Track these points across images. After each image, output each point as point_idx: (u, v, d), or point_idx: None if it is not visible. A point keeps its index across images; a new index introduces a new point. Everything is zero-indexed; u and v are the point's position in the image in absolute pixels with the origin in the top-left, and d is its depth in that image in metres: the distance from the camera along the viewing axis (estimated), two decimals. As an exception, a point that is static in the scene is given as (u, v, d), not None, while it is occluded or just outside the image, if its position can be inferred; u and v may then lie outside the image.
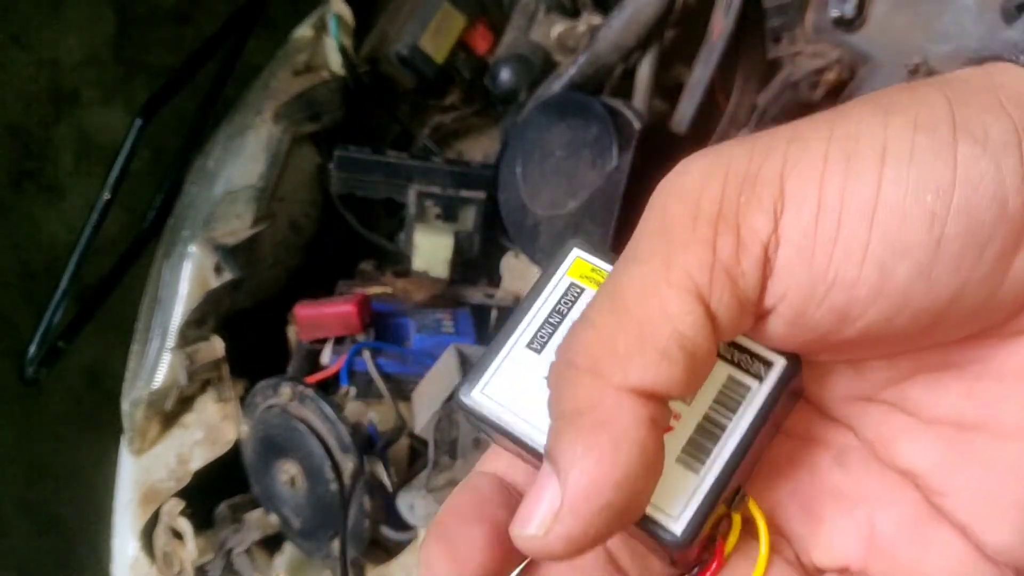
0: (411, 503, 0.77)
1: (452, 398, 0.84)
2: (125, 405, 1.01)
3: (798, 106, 1.02)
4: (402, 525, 0.89)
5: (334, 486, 0.83)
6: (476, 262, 1.14)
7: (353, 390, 0.90)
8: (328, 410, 0.83)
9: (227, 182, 1.05)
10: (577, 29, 1.12)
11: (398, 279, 1.05)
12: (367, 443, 0.84)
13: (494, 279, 1.15)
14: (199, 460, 0.98)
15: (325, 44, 1.16)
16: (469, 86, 1.20)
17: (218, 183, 1.06)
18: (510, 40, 1.15)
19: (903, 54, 0.93)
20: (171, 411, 1.01)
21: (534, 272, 1.08)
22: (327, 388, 0.93)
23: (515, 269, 1.10)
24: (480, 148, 1.26)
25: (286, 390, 0.85)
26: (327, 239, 1.19)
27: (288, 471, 0.87)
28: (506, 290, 1.09)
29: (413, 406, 0.90)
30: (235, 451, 0.99)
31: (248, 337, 1.09)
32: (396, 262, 1.18)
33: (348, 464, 0.82)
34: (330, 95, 1.12)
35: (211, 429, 1.00)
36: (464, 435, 0.77)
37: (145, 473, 1.00)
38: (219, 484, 1.01)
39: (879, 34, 0.97)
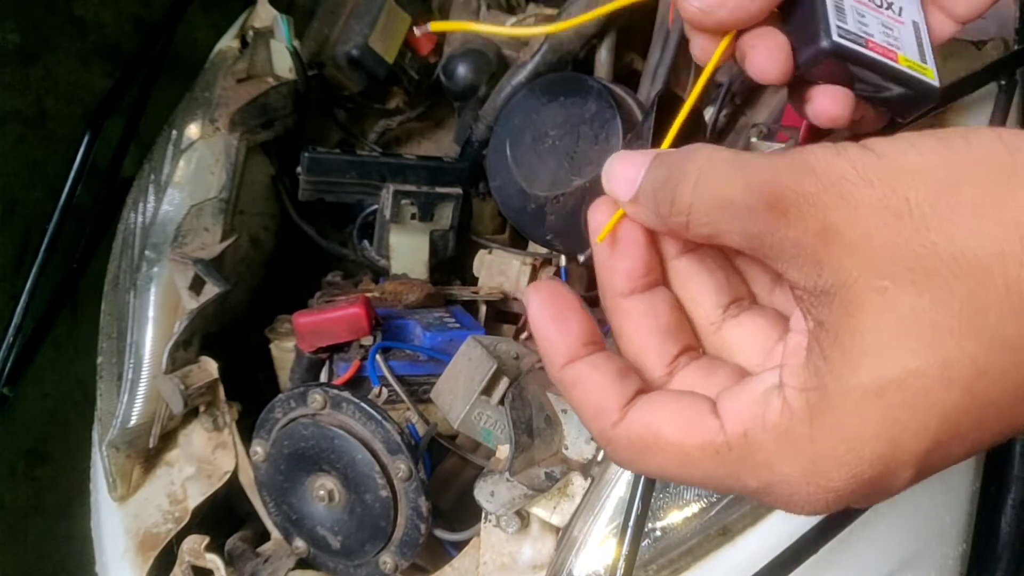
0: (491, 490, 0.73)
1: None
2: (102, 450, 0.90)
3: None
4: (457, 525, 0.85)
5: (385, 492, 0.78)
6: (447, 263, 1.11)
7: (385, 392, 0.85)
8: (373, 411, 0.77)
9: (189, 196, 0.97)
10: (527, 21, 1.13)
11: (386, 283, 1.01)
12: (412, 444, 0.79)
13: (466, 278, 1.13)
14: (196, 496, 0.89)
15: (262, 51, 1.10)
16: (416, 87, 1.17)
17: (176, 199, 0.97)
18: (460, 36, 1.13)
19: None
20: (153, 449, 0.92)
21: (514, 265, 1.06)
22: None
23: (492, 265, 1.08)
24: (424, 152, 1.24)
25: (318, 397, 0.79)
26: (285, 255, 1.12)
27: (324, 486, 0.80)
28: (488, 286, 1.06)
29: (440, 403, 0.86)
30: (225, 484, 0.92)
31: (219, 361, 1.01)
32: (360, 271, 1.13)
33: (400, 466, 0.77)
34: (283, 100, 1.06)
35: (203, 462, 0.91)
36: (536, 413, 0.75)
37: (135, 520, 0.90)
38: (208, 520, 0.93)
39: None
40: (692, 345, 0.39)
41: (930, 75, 0.48)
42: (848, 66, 0.47)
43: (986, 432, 0.30)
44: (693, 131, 0.93)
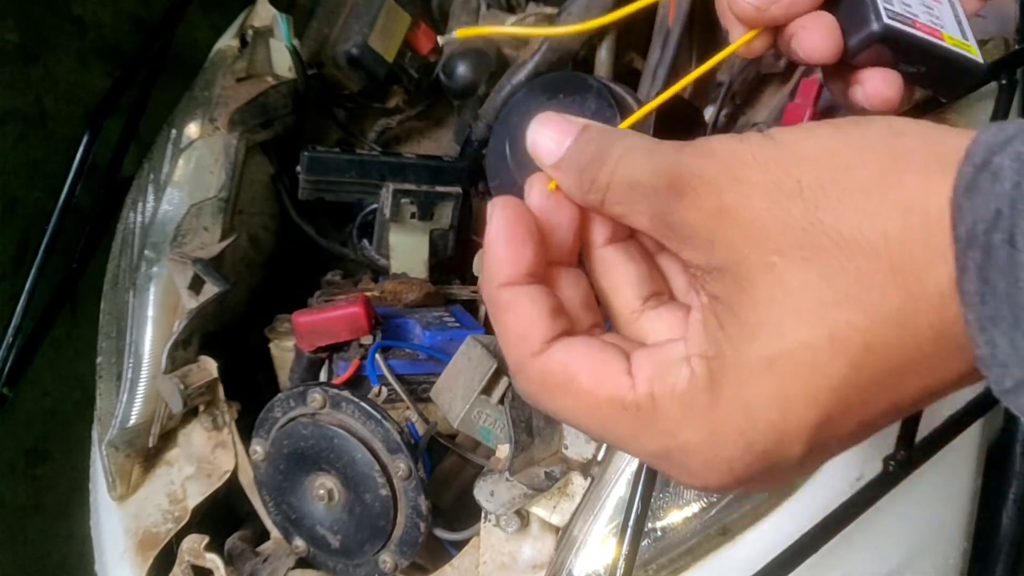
0: (491, 490, 0.73)
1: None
2: (102, 449, 0.90)
3: (762, 77, 1.06)
4: (456, 524, 0.84)
5: (384, 491, 0.78)
6: (447, 262, 1.11)
7: (385, 391, 0.85)
8: (373, 410, 0.77)
9: (188, 196, 0.97)
10: (527, 21, 1.13)
11: (385, 283, 1.01)
12: (412, 443, 0.79)
13: (466, 278, 1.13)
14: (195, 496, 0.89)
15: (261, 50, 1.10)
16: (416, 86, 1.17)
17: (176, 198, 0.97)
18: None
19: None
20: (152, 449, 0.92)
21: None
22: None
23: (492, 264, 1.07)
24: (424, 151, 1.24)
25: (317, 396, 0.79)
26: (285, 254, 1.12)
27: (324, 485, 0.80)
28: (488, 285, 1.06)
29: (440, 402, 0.86)
30: (225, 484, 0.92)
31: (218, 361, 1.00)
32: (360, 271, 1.13)
33: (400, 465, 0.77)
34: (282, 100, 1.06)
35: (202, 461, 0.91)
36: (536, 412, 0.74)
37: (134, 520, 0.90)
38: (208, 520, 0.93)
39: (835, 2, 1.02)
40: (600, 325, 0.40)
41: (973, 52, 0.48)
42: (896, 48, 0.47)
43: (873, 408, 0.31)
44: (693, 130, 0.93)
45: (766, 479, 0.33)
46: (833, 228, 0.30)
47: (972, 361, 0.29)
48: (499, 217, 0.37)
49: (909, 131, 0.31)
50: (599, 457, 0.75)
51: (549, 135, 0.38)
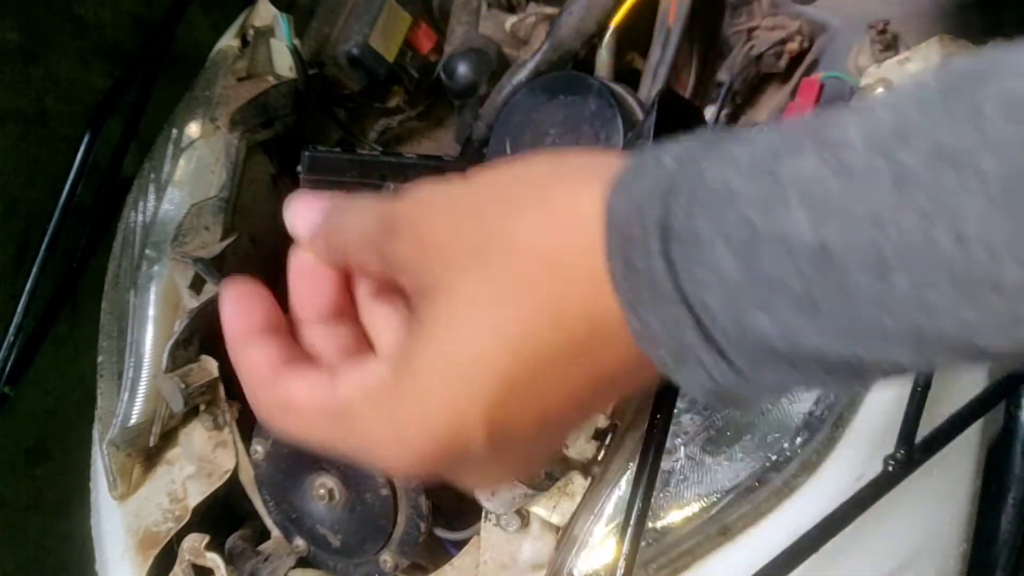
0: (492, 489, 0.73)
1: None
2: (102, 448, 0.90)
3: (762, 77, 1.06)
4: (456, 524, 0.85)
5: (385, 490, 0.78)
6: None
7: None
8: (373, 410, 0.77)
9: (189, 195, 0.97)
10: (527, 20, 1.13)
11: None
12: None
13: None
14: (196, 495, 0.89)
15: (262, 50, 1.10)
16: (416, 86, 1.17)
17: (177, 198, 0.97)
18: (461, 35, 1.13)
19: (859, 19, 0.99)
20: (153, 448, 0.92)
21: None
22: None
23: (492, 264, 1.08)
24: (424, 151, 1.24)
25: (318, 396, 0.79)
26: (285, 254, 1.12)
27: (324, 484, 0.81)
28: (489, 285, 1.06)
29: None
30: (225, 483, 0.92)
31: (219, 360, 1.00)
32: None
33: (400, 465, 0.77)
34: (283, 99, 1.06)
35: (203, 461, 0.91)
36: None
37: (135, 518, 0.90)
38: (208, 519, 0.93)
39: (834, 1, 1.03)
40: None
41: None
42: None
43: (546, 398, 0.34)
44: (694, 130, 0.93)
45: (461, 468, 0.36)
46: (499, 239, 0.33)
47: (633, 345, 0.32)
48: (228, 297, 0.41)
49: (573, 153, 0.36)
50: (599, 457, 0.75)
51: (302, 214, 0.42)
